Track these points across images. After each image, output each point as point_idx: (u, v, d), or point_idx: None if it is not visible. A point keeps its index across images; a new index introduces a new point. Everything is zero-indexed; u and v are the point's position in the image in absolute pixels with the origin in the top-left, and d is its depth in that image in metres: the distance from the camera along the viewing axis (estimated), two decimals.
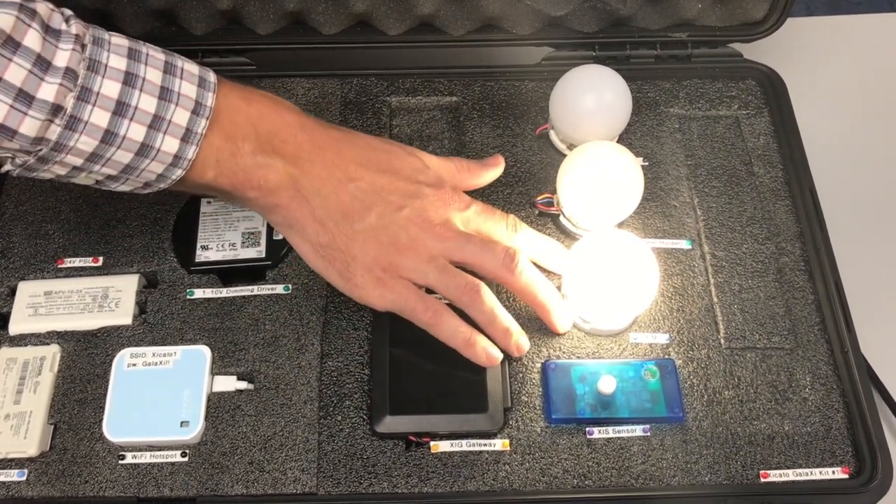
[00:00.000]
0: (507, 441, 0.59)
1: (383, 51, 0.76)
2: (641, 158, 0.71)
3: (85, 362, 0.61)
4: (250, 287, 0.64)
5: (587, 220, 0.65)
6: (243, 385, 0.61)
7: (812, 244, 0.67)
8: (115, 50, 0.49)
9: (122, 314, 0.63)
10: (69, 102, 0.47)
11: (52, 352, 0.62)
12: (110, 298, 0.63)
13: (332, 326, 0.63)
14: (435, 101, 0.75)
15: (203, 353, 0.61)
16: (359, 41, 0.76)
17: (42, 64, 0.46)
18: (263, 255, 0.65)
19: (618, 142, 0.71)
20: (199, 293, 0.64)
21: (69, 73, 0.47)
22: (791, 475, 0.59)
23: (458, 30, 0.75)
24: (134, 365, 0.60)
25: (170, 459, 0.58)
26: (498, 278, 0.58)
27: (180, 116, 0.50)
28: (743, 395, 0.61)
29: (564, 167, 0.65)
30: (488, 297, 0.57)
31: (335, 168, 0.55)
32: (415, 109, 0.75)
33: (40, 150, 0.48)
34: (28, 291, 0.64)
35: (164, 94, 0.50)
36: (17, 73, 0.45)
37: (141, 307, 0.64)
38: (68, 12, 0.49)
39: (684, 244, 0.68)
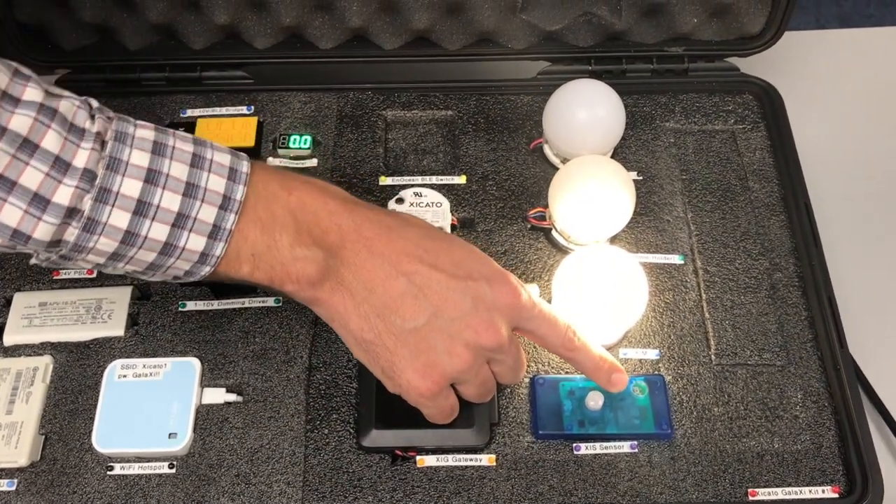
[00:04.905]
0: (493, 456, 0.59)
1: (379, 65, 0.77)
2: (634, 173, 0.71)
3: (77, 373, 0.62)
4: (241, 299, 0.65)
5: (579, 234, 0.65)
6: (232, 397, 0.61)
7: (806, 260, 0.67)
8: (139, 145, 0.47)
9: (115, 326, 0.63)
10: (86, 205, 0.45)
11: (45, 363, 0.62)
12: (103, 310, 0.64)
13: (321, 339, 0.63)
14: (430, 114, 0.75)
15: (193, 365, 0.61)
16: (355, 55, 0.76)
17: (61, 165, 0.44)
18: None
19: (613, 156, 0.71)
20: (190, 305, 0.65)
21: (87, 174, 0.45)
22: (780, 494, 0.58)
23: (454, 44, 0.75)
24: (125, 376, 0.61)
25: (157, 471, 0.58)
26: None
27: (206, 213, 0.48)
28: (733, 412, 0.61)
29: (556, 181, 0.65)
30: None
31: (384, 260, 0.50)
32: (410, 123, 0.75)
33: (60, 250, 0.47)
34: (23, 302, 0.64)
35: (190, 191, 0.47)
36: (33, 176, 0.44)
37: (133, 319, 0.64)
38: (95, 104, 0.47)
39: (677, 259, 0.67)
